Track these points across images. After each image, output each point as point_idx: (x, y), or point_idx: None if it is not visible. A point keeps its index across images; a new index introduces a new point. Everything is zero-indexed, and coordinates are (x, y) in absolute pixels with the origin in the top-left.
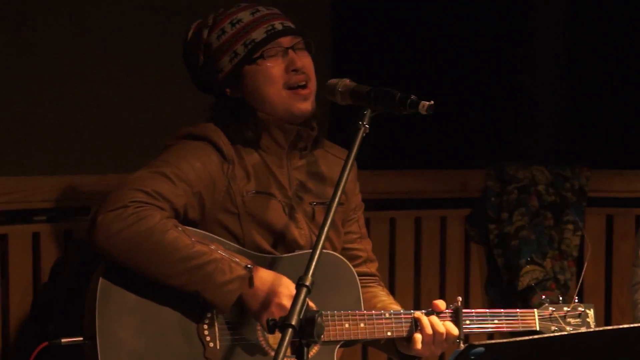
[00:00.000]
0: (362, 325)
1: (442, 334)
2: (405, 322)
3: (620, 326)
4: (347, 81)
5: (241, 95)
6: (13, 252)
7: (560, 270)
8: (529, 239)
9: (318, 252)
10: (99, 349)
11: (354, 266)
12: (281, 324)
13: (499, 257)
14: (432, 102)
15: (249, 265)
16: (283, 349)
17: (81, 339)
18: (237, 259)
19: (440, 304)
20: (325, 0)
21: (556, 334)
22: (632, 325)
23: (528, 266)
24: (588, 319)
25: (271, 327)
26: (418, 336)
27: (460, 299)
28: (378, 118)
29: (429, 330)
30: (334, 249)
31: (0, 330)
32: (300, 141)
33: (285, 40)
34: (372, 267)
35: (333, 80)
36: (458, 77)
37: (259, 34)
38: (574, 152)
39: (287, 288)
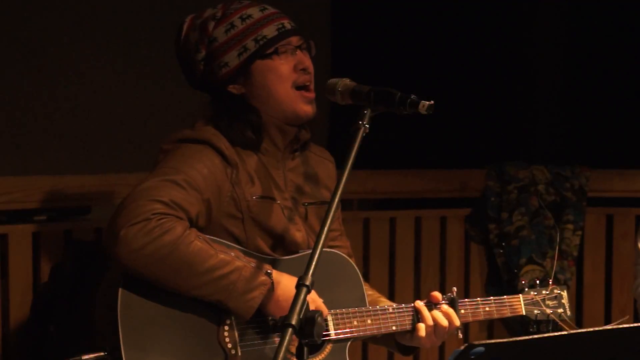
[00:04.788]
0: (369, 321)
1: (444, 327)
2: (407, 315)
3: (620, 326)
4: (347, 81)
5: (244, 92)
6: (13, 252)
7: (560, 270)
8: (529, 239)
9: (318, 251)
10: None
11: None
12: (281, 324)
13: (499, 257)
14: (432, 101)
15: (269, 271)
16: (283, 349)
17: (102, 354)
18: (256, 265)
19: (438, 295)
20: (325, 0)
21: (556, 333)
22: (632, 325)
23: (528, 266)
24: (563, 301)
25: (272, 327)
26: (421, 325)
27: (455, 289)
28: (378, 118)
29: (430, 322)
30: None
31: (0, 330)
32: (295, 143)
33: (295, 40)
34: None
35: (333, 80)
36: (458, 77)
37: (270, 31)
38: (574, 152)
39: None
